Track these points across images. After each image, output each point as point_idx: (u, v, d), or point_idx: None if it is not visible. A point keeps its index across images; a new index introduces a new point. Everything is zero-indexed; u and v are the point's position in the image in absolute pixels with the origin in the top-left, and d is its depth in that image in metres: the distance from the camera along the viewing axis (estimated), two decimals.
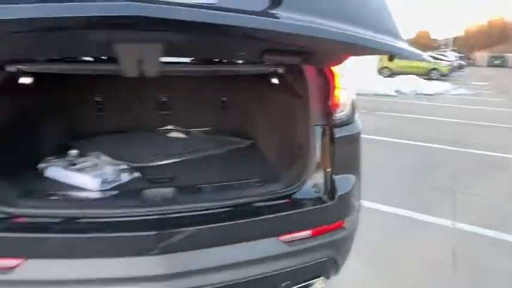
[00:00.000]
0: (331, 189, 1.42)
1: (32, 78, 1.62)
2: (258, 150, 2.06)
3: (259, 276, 1.29)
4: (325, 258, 1.41)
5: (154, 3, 0.81)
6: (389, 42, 1.03)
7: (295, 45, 1.17)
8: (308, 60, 1.33)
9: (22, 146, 1.53)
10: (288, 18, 0.93)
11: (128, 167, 1.57)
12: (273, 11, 0.97)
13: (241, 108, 2.34)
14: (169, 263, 1.19)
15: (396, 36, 1.07)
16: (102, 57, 1.55)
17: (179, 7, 0.82)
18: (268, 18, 0.96)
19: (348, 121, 1.48)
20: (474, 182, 4.01)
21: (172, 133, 2.18)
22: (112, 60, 1.18)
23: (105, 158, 1.58)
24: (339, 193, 1.41)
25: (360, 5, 1.13)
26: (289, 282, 1.36)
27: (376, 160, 4.74)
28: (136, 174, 1.55)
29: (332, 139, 1.44)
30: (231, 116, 2.44)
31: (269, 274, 1.30)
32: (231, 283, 1.25)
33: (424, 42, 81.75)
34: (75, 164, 1.51)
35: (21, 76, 1.55)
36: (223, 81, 2.25)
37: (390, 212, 3.15)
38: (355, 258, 1.72)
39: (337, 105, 1.45)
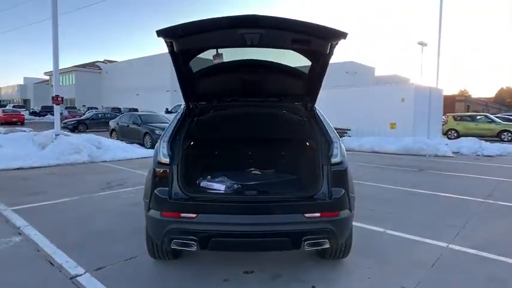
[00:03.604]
0: (330, 194, 2.99)
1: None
2: (297, 179, 3.74)
3: (295, 231, 2.86)
4: (328, 229, 2.92)
5: None
6: None
7: None
8: None
9: (192, 171, 3.41)
10: None
11: (236, 183, 3.35)
12: None
13: (291, 159, 4.08)
14: (254, 219, 2.84)
15: None
16: None
17: None
18: None
19: (339, 162, 3.08)
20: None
21: (254, 171, 4.00)
22: None
23: (226, 178, 3.38)
24: (334, 197, 2.97)
25: None
26: (309, 237, 2.89)
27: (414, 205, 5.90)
28: (240, 186, 3.32)
29: (330, 171, 3.04)
30: (285, 163, 4.17)
31: (299, 230, 2.87)
32: (280, 232, 2.85)
33: (508, 101, 76.69)
34: (212, 181, 3.33)
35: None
36: (281, 143, 4.09)
37: None
38: None
39: (332, 155, 3.07)
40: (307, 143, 3.67)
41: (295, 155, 3.97)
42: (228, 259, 3.59)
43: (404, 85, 22.58)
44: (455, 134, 21.20)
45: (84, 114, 30.17)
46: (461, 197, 6.59)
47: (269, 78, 3.70)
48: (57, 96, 11.54)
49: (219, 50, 3.01)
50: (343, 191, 3.02)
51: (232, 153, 4.22)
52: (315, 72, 3.29)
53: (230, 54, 3.25)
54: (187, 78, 3.37)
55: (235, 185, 3.27)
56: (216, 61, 3.01)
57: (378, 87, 20.13)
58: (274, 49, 3.14)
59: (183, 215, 2.86)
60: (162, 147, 3.06)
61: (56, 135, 11.13)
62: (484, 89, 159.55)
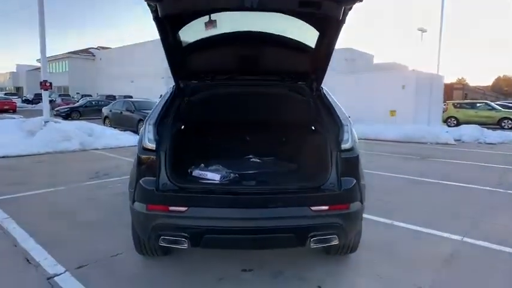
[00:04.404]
0: (339, 185, 2.62)
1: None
2: (302, 168, 3.35)
3: (300, 226, 2.51)
4: (337, 224, 2.57)
5: None
6: None
7: None
8: None
9: (182, 158, 3.03)
10: None
11: (232, 172, 2.96)
12: None
13: (294, 145, 3.68)
14: (254, 212, 2.48)
15: None
16: None
17: None
18: None
19: (350, 149, 2.71)
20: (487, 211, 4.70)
21: (253, 159, 3.60)
22: None
23: (221, 167, 2.99)
24: (344, 187, 2.61)
25: None
26: (316, 232, 2.54)
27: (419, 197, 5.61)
28: (237, 175, 2.94)
29: (340, 159, 2.67)
30: (288, 149, 3.79)
31: (305, 225, 2.51)
32: (283, 227, 2.49)
33: (505, 90, 76.51)
34: (206, 170, 2.95)
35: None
36: (282, 127, 3.68)
37: None
38: None
39: (342, 140, 2.70)
40: (313, 127, 3.28)
41: (299, 141, 3.57)
42: (224, 256, 3.25)
43: (405, 72, 22.21)
44: (455, 122, 20.98)
45: (78, 101, 29.51)
46: (469, 185, 6.29)
47: (270, 53, 3.25)
48: (45, 81, 11.06)
49: (212, 16, 2.60)
50: (354, 180, 2.67)
51: (228, 138, 3.80)
52: (323, 45, 2.88)
53: (226, 25, 2.84)
54: (176, 52, 2.95)
55: (231, 175, 2.89)
56: (209, 29, 2.60)
57: (378, 73, 19.75)
58: (276, 19, 2.75)
59: (171, 208, 2.50)
60: (148, 131, 2.68)
61: (45, 122, 10.69)
62: (480, 78, 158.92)
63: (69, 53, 51.81)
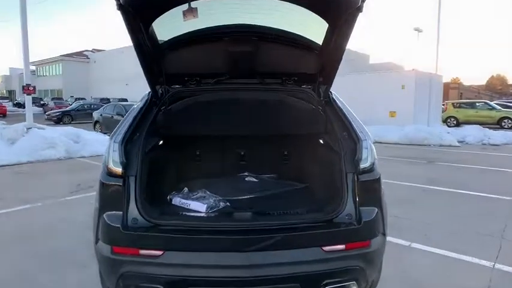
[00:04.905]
0: (358, 216, 2.06)
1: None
2: (309, 190, 2.77)
3: (308, 273, 1.94)
4: (356, 267, 2.01)
5: None
6: None
7: None
8: None
9: (160, 182, 2.44)
10: None
11: (222, 199, 2.38)
12: None
13: (296, 160, 3.11)
14: (250, 257, 1.90)
15: None
16: None
17: None
18: None
19: (370, 169, 2.14)
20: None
21: (248, 178, 3.00)
22: None
23: (208, 193, 2.41)
24: (365, 219, 2.04)
25: None
26: (330, 280, 1.97)
27: (431, 208, 5.06)
28: (228, 204, 2.35)
29: (358, 182, 2.10)
30: (290, 165, 3.21)
31: (315, 272, 1.94)
32: (288, 275, 1.92)
33: (498, 88, 76.55)
34: (189, 196, 2.36)
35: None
36: (284, 140, 3.08)
37: None
38: None
39: (360, 159, 2.13)
40: (321, 141, 2.72)
41: (304, 156, 3.02)
42: None
43: (405, 72, 21.81)
44: (455, 122, 20.62)
45: (71, 105, 28.84)
46: (485, 195, 5.74)
47: (267, 51, 2.66)
48: (28, 85, 10.44)
49: (193, 3, 2.03)
50: (376, 209, 2.10)
51: (217, 153, 3.23)
52: (334, 39, 2.31)
53: (212, 16, 2.28)
54: (150, 51, 2.38)
55: (221, 203, 2.31)
56: (189, 19, 2.03)
57: (377, 74, 19.24)
58: (275, 9, 2.20)
59: (143, 252, 1.93)
60: (113, 151, 2.10)
61: (28, 128, 10.03)
62: (474, 77, 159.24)
63: (62, 55, 50.96)
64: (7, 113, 30.19)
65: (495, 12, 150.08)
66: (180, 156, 3.05)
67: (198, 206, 2.22)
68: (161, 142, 2.66)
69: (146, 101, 2.54)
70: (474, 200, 5.51)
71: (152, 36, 2.32)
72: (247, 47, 2.56)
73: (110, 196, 2.08)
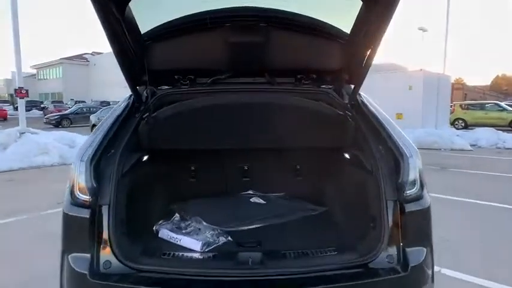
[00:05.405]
0: (404, 260, 1.55)
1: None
2: (332, 218, 2.25)
3: None
4: None
5: None
6: None
7: None
8: None
9: (143, 210, 1.93)
10: None
11: (222, 232, 1.87)
12: None
13: (313, 177, 2.59)
14: None
15: None
16: None
17: None
18: None
19: (418, 196, 1.64)
20: None
21: (253, 198, 2.49)
22: None
23: (205, 224, 1.91)
24: (412, 264, 1.54)
25: None
26: None
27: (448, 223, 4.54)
28: (229, 238, 1.84)
29: (403, 213, 1.59)
30: (305, 181, 2.69)
31: None
32: None
33: (504, 89, 75.49)
34: (181, 227, 1.86)
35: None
36: (296, 152, 2.56)
37: None
38: None
39: (406, 183, 1.62)
40: (346, 155, 2.20)
41: (321, 173, 2.50)
42: None
43: (412, 72, 21.33)
44: (463, 124, 20.03)
45: (71, 108, 28.51)
46: (510, 207, 5.20)
47: (279, 41, 2.12)
48: (20, 88, 9.98)
49: None
50: (425, 249, 1.60)
51: (215, 168, 2.71)
52: (369, 23, 1.80)
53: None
54: (128, 42, 1.88)
55: (220, 238, 1.81)
56: None
57: (383, 74, 18.73)
58: None
59: None
60: (79, 173, 1.61)
61: (21, 133, 9.59)
62: (478, 78, 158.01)
63: (62, 58, 50.71)
64: (8, 116, 29.80)
65: (498, 11, 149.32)
66: (170, 173, 2.54)
67: (191, 243, 1.72)
68: (146, 158, 2.15)
69: (126, 106, 2.04)
70: (498, 213, 4.98)
71: (131, 23, 1.82)
72: (253, 37, 2.04)
73: (76, 232, 1.59)
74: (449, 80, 18.32)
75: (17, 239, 4.08)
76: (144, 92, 2.19)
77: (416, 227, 1.62)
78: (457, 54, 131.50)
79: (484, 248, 3.78)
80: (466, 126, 19.46)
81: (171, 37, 2.03)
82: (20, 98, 10.22)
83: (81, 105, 28.71)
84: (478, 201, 5.50)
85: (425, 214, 1.66)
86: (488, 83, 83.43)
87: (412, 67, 18.34)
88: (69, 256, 1.56)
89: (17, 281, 3.10)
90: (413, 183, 1.64)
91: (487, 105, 21.25)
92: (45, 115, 27.19)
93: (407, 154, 1.68)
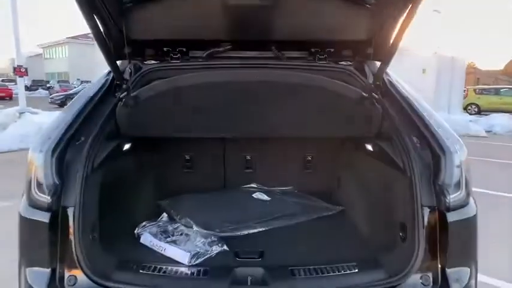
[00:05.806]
0: (442, 283, 1.23)
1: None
2: (350, 220, 1.91)
3: None
4: None
5: None
6: None
7: None
8: None
9: (121, 210, 1.62)
10: None
11: (216, 239, 1.55)
12: None
13: (326, 170, 2.24)
14: None
15: None
16: None
17: None
18: None
19: (463, 203, 1.30)
20: None
21: (256, 194, 2.15)
22: None
23: (195, 228, 1.59)
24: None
25: None
26: None
27: None
28: (224, 247, 1.52)
29: (444, 224, 1.26)
30: (316, 173, 2.35)
31: None
32: None
33: None
34: (167, 231, 1.55)
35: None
36: (307, 141, 2.22)
37: None
38: None
39: (450, 185, 1.28)
40: (369, 147, 1.84)
41: (336, 166, 2.15)
42: None
43: (426, 55, 20.64)
44: (476, 109, 19.37)
45: (76, 87, 28.28)
46: None
47: (289, 5, 1.71)
48: (19, 66, 9.68)
49: None
50: (469, 270, 1.27)
51: (211, 158, 2.36)
52: None
53: None
54: (104, 6, 1.53)
55: (213, 247, 1.49)
56: None
57: (396, 57, 18.13)
58: None
59: None
60: (37, 166, 1.30)
61: (21, 113, 9.36)
62: (490, 62, 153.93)
63: (68, 38, 50.22)
64: (13, 96, 29.75)
65: None
66: (157, 164, 2.20)
67: (178, 254, 1.41)
68: (127, 146, 1.80)
69: (104, 84, 1.69)
70: None
71: None
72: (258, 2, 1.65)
73: (34, 240, 1.29)
74: (464, 64, 17.63)
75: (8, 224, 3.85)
76: (127, 67, 1.83)
77: (460, 242, 1.29)
78: (469, 38, 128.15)
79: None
80: (479, 111, 18.85)
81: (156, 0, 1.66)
82: (19, 77, 9.95)
83: (86, 84, 28.45)
84: (495, 193, 5.14)
85: (471, 225, 1.32)
86: (501, 67, 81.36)
87: (426, 50, 17.64)
88: (27, 270, 1.27)
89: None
90: (458, 186, 1.30)
91: (501, 89, 20.52)
92: (50, 95, 27.03)
93: (450, 149, 1.33)
